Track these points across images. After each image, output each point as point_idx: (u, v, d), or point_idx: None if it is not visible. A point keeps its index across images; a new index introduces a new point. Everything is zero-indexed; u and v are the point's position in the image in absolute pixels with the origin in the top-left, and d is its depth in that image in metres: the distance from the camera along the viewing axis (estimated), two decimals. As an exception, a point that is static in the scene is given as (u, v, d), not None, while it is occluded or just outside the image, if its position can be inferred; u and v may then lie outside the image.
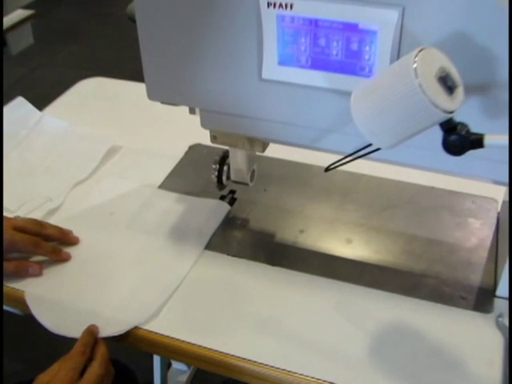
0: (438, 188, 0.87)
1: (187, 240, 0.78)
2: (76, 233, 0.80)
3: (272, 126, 0.66)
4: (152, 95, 0.69)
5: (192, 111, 0.72)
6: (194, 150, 0.97)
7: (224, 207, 0.84)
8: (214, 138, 0.72)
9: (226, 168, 0.79)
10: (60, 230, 0.79)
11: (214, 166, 0.79)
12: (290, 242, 0.78)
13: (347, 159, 0.58)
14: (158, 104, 0.78)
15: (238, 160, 0.76)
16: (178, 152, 0.96)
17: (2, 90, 0.96)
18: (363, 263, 0.75)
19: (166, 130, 1.02)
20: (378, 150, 0.53)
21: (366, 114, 0.49)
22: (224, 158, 0.79)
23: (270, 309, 0.69)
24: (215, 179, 0.80)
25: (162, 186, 0.89)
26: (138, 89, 1.11)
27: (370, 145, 0.54)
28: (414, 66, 0.46)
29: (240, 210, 0.84)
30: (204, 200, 0.85)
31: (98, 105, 1.11)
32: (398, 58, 0.56)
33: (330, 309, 0.69)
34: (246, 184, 0.80)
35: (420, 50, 0.47)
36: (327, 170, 0.60)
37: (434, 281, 0.73)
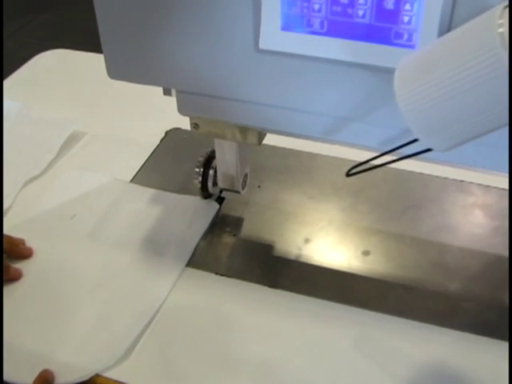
0: (468, 182, 0.72)
1: (165, 253, 0.63)
2: (28, 243, 0.64)
3: (271, 113, 0.50)
4: (113, 72, 0.53)
5: (167, 92, 0.55)
6: (173, 135, 0.81)
7: (212, 207, 0.68)
8: (195, 127, 0.56)
9: (211, 172, 0.63)
10: (9, 239, 0.63)
11: (197, 170, 0.63)
12: (292, 256, 0.63)
13: (382, 161, 0.42)
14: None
15: (226, 160, 0.61)
16: (153, 139, 0.80)
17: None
18: (385, 282, 0.60)
19: (138, 112, 0.86)
20: (427, 151, 0.37)
21: (419, 104, 0.33)
22: (210, 160, 0.63)
23: (272, 348, 0.54)
24: (199, 185, 0.64)
25: (135, 181, 0.74)
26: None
27: (413, 141, 0.39)
28: (500, 30, 0.30)
29: (229, 213, 0.68)
30: (187, 198, 0.69)
31: (57, 82, 0.94)
32: (452, 21, 0.40)
33: (347, 346, 0.54)
34: (237, 192, 0.64)
35: (506, 7, 0.31)
36: (349, 174, 0.45)
37: (474, 305, 0.58)
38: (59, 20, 2.82)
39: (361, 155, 0.76)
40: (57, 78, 0.95)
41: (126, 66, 0.51)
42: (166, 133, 0.81)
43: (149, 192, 0.71)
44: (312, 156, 0.76)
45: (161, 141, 0.80)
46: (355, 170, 0.45)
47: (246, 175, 0.65)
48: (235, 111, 0.51)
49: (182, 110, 0.53)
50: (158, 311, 0.57)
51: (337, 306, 0.58)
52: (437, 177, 0.73)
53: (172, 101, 0.75)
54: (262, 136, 0.55)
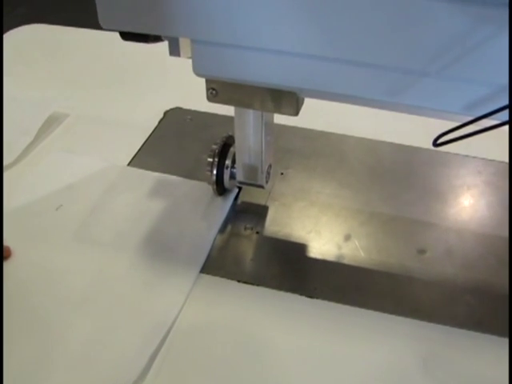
0: (527, 165, 0.61)
1: (174, 255, 0.50)
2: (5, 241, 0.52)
3: (320, 68, 0.38)
4: (106, 20, 0.40)
5: (174, 49, 0.43)
6: (173, 116, 0.69)
7: (229, 195, 0.56)
8: (213, 93, 0.43)
9: (228, 163, 0.51)
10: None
11: (210, 160, 0.51)
12: (332, 257, 0.51)
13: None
14: (117, 54, 0.50)
15: (248, 146, 0.49)
16: (150, 121, 0.68)
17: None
18: (450, 286, 0.48)
19: (130, 89, 0.74)
20: None
21: None
22: (225, 148, 0.51)
23: (315, 374, 0.42)
24: (213, 179, 0.52)
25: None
26: (94, 36, 0.83)
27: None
28: None
29: (248, 205, 0.56)
30: (198, 184, 0.57)
31: (33, 58, 0.81)
32: None
33: (413, 369, 0.42)
34: (260, 186, 0.52)
35: None
36: (437, 144, 0.33)
37: (562, 313, 0.47)
38: (38, 13, 2.67)
39: (397, 135, 0.65)
40: (32, 54, 0.82)
41: (123, 6, 0.38)
42: (165, 113, 0.69)
43: (151, 177, 0.59)
44: (341, 138, 0.64)
45: (159, 123, 0.68)
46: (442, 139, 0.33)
47: (269, 166, 0.53)
48: (269, 67, 0.39)
49: (199, 68, 0.41)
50: (168, 332, 0.44)
51: (394, 318, 0.46)
52: (487, 160, 0.62)
53: (172, 74, 0.62)
54: (300, 103, 0.43)
